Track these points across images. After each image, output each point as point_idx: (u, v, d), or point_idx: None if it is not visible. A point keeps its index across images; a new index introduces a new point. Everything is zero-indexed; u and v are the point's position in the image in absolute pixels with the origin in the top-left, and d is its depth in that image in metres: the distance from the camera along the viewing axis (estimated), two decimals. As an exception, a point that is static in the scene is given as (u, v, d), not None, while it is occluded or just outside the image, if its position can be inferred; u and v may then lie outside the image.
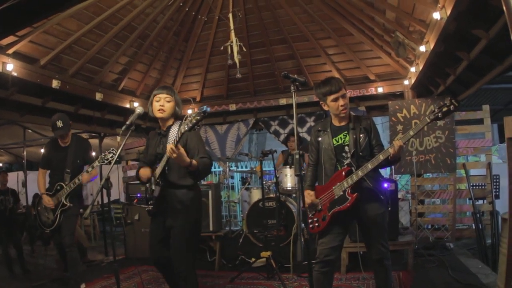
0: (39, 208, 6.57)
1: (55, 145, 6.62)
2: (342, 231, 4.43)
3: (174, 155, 4.07)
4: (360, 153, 4.37)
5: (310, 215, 4.60)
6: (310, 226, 4.60)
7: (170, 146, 4.08)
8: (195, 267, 4.66)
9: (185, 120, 3.98)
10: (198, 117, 3.87)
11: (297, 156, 3.61)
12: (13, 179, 13.83)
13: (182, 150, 4.16)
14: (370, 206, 4.32)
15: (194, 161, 4.37)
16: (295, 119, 3.70)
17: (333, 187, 4.38)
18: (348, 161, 4.38)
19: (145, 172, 4.73)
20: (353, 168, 4.31)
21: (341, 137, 4.49)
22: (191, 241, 4.60)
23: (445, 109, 3.83)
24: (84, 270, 7.07)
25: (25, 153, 13.54)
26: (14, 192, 9.49)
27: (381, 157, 4.12)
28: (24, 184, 13.86)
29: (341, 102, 4.36)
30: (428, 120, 3.93)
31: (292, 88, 3.81)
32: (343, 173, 4.32)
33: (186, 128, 3.93)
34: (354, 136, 4.40)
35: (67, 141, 6.59)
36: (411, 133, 4.03)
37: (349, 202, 4.24)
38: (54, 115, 6.47)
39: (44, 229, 6.49)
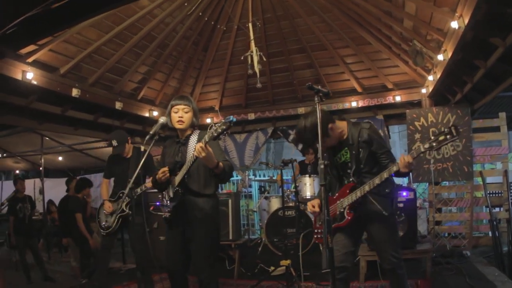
0: (99, 213, 6.88)
1: (119, 156, 6.82)
2: (351, 238, 4.42)
3: (203, 154, 3.96)
4: (362, 168, 4.35)
5: (317, 224, 4.67)
6: (315, 236, 4.68)
7: (199, 144, 3.97)
8: (216, 275, 4.68)
9: (209, 129, 3.91)
10: (224, 127, 3.79)
11: (322, 166, 3.62)
12: (30, 186, 13.94)
13: (210, 149, 4.07)
14: (375, 221, 4.34)
15: (220, 163, 4.32)
16: (320, 130, 3.69)
17: (337, 202, 4.41)
18: (351, 178, 4.37)
19: (162, 172, 4.57)
20: (357, 185, 4.30)
21: (343, 154, 4.47)
22: (212, 249, 4.59)
23: (441, 137, 3.71)
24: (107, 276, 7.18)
25: (42, 160, 13.62)
26: (30, 199, 9.61)
27: (377, 181, 4.07)
28: (41, 191, 13.97)
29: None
30: (422, 149, 3.81)
31: (316, 99, 3.79)
32: (347, 190, 4.33)
33: (211, 137, 3.87)
34: (354, 152, 4.35)
35: (128, 154, 6.81)
36: (415, 154, 3.87)
37: (346, 221, 4.28)
38: (111, 134, 6.76)
39: (102, 232, 6.73)
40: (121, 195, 6.54)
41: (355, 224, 4.36)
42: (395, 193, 4.60)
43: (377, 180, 4.08)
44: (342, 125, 4.47)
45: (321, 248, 4.60)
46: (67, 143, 13.68)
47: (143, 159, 4.82)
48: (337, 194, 4.48)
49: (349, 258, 4.41)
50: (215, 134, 3.85)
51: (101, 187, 7.05)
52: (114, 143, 6.59)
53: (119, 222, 6.52)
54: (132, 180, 6.31)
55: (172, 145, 4.87)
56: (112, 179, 7.02)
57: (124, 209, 6.46)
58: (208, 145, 4.01)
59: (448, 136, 3.65)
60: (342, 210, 4.34)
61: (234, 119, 3.85)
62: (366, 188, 4.14)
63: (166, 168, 4.54)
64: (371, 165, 4.32)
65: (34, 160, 16.82)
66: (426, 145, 3.79)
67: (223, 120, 3.81)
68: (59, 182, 15.15)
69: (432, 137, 3.77)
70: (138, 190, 6.35)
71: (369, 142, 4.35)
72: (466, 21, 5.79)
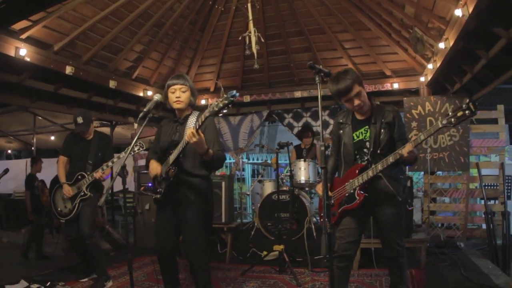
0: (55, 197, 6.56)
1: (79, 136, 6.60)
2: (359, 225, 4.35)
3: (194, 139, 3.91)
4: (379, 151, 4.23)
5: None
6: (321, 219, 4.58)
7: (191, 129, 3.93)
8: (208, 258, 4.61)
9: (210, 105, 3.80)
10: (226, 101, 3.66)
11: (322, 148, 3.52)
12: (22, 166, 13.85)
13: (202, 135, 4.03)
14: (386, 205, 4.23)
15: (210, 150, 4.26)
16: (320, 111, 3.59)
17: (346, 184, 4.32)
18: (367, 157, 4.27)
19: (155, 168, 4.57)
20: (368, 165, 4.20)
21: (362, 132, 4.36)
22: (205, 232, 4.51)
23: (460, 113, 3.48)
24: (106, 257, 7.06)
25: (34, 140, 13.51)
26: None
27: (390, 159, 3.96)
28: (34, 171, 13.88)
29: (355, 102, 4.22)
30: (440, 125, 3.62)
31: (317, 79, 3.69)
32: (357, 171, 4.23)
33: (212, 112, 3.76)
34: (375, 132, 4.25)
35: (89, 136, 6.58)
36: (422, 137, 3.76)
37: (356, 202, 4.19)
38: (76, 110, 6.51)
39: (60, 219, 6.47)
40: (79, 177, 6.33)
41: (364, 208, 4.27)
42: (405, 182, 4.51)
43: (391, 159, 3.96)
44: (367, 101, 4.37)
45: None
46: (59, 122, 13.56)
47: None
48: (345, 175, 4.39)
49: (353, 247, 4.35)
50: (216, 109, 3.73)
51: (58, 166, 6.68)
52: (80, 120, 6.33)
53: (79, 207, 6.27)
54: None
55: (169, 124, 4.78)
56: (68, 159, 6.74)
57: (86, 192, 6.25)
58: (200, 131, 3.98)
59: (467, 112, 3.44)
60: (352, 191, 4.24)
61: (237, 94, 3.72)
62: (379, 167, 4.04)
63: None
64: (388, 149, 4.19)
65: (27, 140, 16.76)
66: (444, 121, 3.60)
67: (225, 95, 3.67)
68: (52, 162, 15.04)
69: (450, 113, 3.57)
70: (100, 170, 6.25)
71: (392, 124, 4.26)
72: (471, 9, 5.68)
